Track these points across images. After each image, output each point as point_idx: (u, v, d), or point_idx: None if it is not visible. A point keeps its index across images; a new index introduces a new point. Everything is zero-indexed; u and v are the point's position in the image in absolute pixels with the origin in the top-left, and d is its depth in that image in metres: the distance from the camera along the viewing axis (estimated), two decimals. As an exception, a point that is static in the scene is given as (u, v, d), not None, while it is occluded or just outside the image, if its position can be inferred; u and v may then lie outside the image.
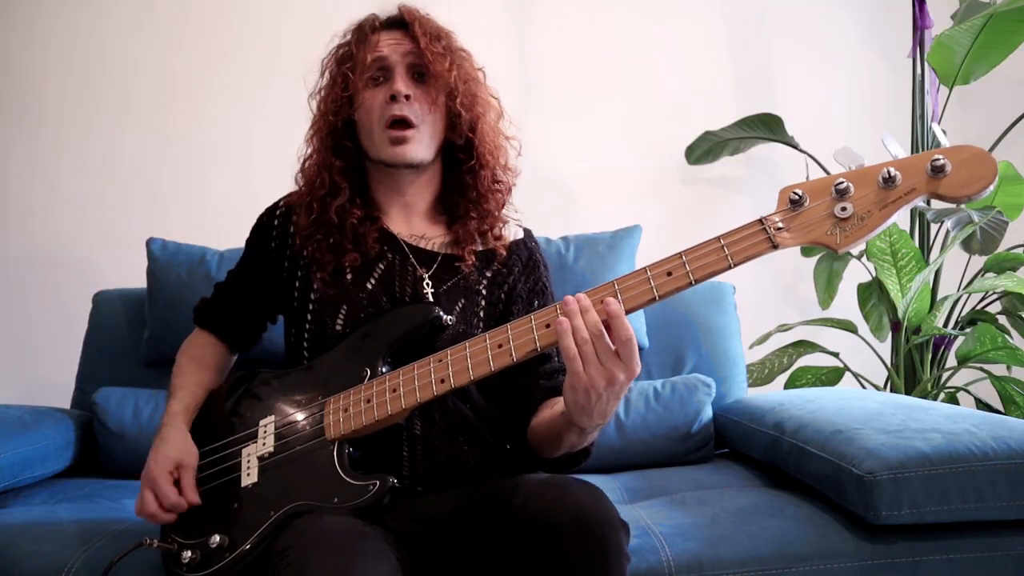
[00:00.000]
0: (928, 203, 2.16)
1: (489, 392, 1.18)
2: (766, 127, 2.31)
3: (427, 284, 1.17)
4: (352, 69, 1.17)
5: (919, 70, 2.20)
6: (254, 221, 1.30)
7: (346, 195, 1.19)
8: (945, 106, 2.24)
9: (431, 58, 1.16)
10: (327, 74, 1.23)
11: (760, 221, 0.92)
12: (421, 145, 1.17)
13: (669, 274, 0.93)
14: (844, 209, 0.89)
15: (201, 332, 1.31)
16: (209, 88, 2.44)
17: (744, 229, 0.93)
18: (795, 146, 2.30)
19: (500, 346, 0.97)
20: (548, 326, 0.95)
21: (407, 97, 1.14)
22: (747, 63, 2.57)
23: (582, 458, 1.13)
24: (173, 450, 1.11)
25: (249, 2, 2.45)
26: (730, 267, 0.92)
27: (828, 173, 2.24)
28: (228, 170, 2.42)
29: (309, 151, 1.24)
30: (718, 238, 0.93)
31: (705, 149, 2.40)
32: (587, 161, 2.47)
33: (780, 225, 0.91)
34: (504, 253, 1.22)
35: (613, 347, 0.89)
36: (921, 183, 0.87)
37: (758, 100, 2.47)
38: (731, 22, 2.56)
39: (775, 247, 0.91)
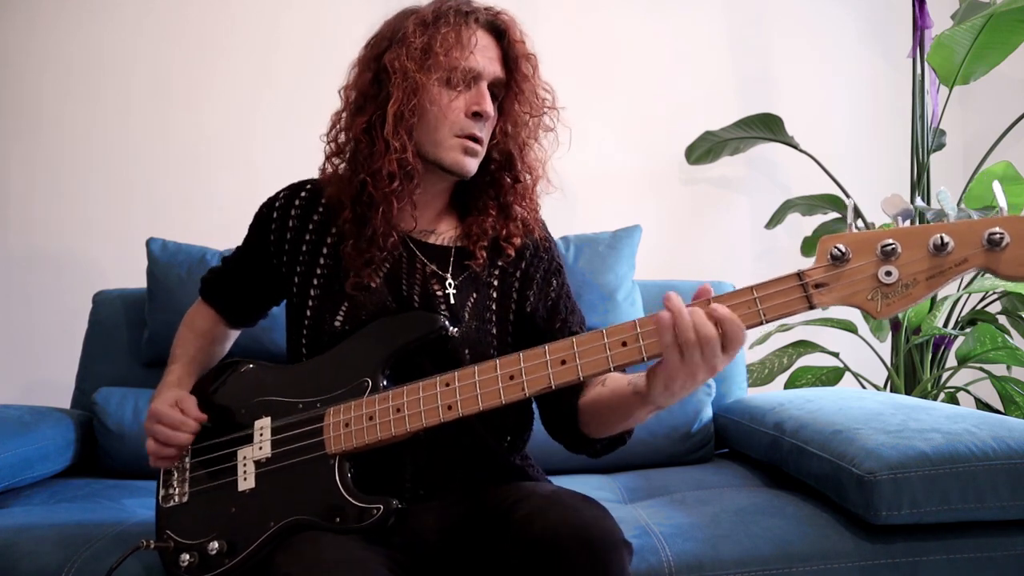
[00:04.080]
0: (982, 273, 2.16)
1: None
2: (766, 127, 2.32)
3: (449, 284, 1.13)
4: (444, 56, 1.07)
5: (919, 70, 2.20)
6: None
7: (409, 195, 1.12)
8: (945, 106, 2.24)
9: (515, 94, 1.13)
10: (417, 34, 1.09)
11: (798, 276, 0.86)
12: (479, 160, 1.14)
13: None
14: (889, 274, 0.82)
15: (203, 304, 1.31)
16: (209, 88, 2.44)
17: (780, 283, 0.86)
18: (795, 146, 2.30)
19: (512, 378, 0.94)
20: (564, 363, 0.92)
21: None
22: (747, 63, 2.57)
23: (628, 437, 1.10)
24: (170, 393, 1.15)
25: (249, 2, 2.45)
26: (762, 323, 0.86)
27: (828, 174, 2.27)
28: (228, 170, 2.42)
29: (388, 139, 1.07)
30: (751, 289, 0.86)
31: (705, 149, 2.40)
32: (587, 161, 2.47)
33: (819, 282, 0.85)
34: (513, 255, 1.18)
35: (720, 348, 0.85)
36: (975, 255, 0.80)
37: (758, 100, 2.48)
38: (731, 22, 2.56)
39: (811, 307, 0.85)
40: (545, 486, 1.04)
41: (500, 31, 1.13)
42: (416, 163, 1.09)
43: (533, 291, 1.18)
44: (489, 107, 1.10)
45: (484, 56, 1.10)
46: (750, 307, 0.86)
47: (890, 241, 0.82)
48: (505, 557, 0.91)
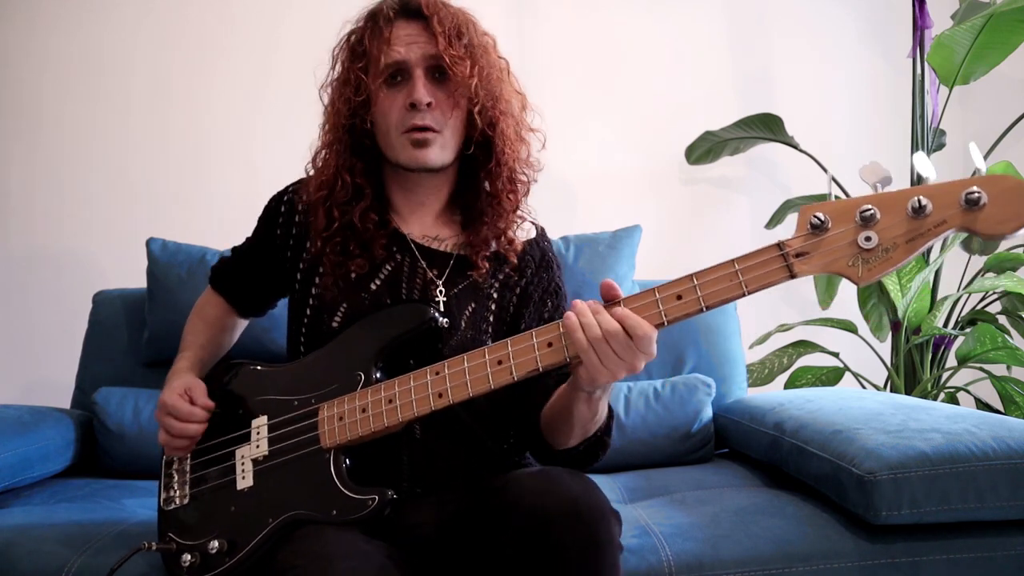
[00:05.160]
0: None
1: (493, 396, 1.15)
2: (766, 127, 2.32)
3: (440, 292, 1.14)
4: (365, 69, 1.11)
5: (919, 70, 2.20)
6: (255, 220, 1.29)
7: (369, 199, 1.15)
8: (945, 106, 2.24)
9: (451, 61, 1.09)
10: (339, 67, 1.16)
11: (779, 246, 0.86)
12: (443, 149, 1.12)
13: (679, 298, 0.89)
14: (868, 239, 0.83)
15: (213, 292, 1.32)
16: (209, 87, 2.44)
17: (761, 254, 0.87)
18: (795, 146, 2.30)
19: (500, 363, 0.95)
20: (551, 344, 0.93)
21: (428, 104, 1.09)
22: (747, 63, 2.57)
23: (600, 451, 1.11)
24: (179, 381, 1.16)
25: (249, 2, 2.45)
26: (744, 295, 0.87)
27: (828, 173, 2.26)
28: (228, 170, 2.42)
29: (324, 151, 1.17)
30: (732, 262, 0.87)
31: (705, 149, 2.40)
32: (587, 161, 2.47)
33: (799, 251, 0.85)
34: (515, 260, 1.18)
35: (631, 341, 0.88)
36: (954, 216, 0.81)
37: (758, 100, 2.48)
38: (731, 22, 2.56)
39: (792, 276, 0.85)
40: (534, 467, 1.05)
41: (416, 11, 1.12)
42: (344, 176, 1.14)
43: (529, 310, 1.19)
44: (420, 94, 1.09)
45: (406, 44, 1.10)
46: (732, 279, 0.87)
47: (868, 207, 0.83)
48: (501, 544, 0.91)
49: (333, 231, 1.14)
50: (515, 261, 1.18)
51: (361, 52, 1.12)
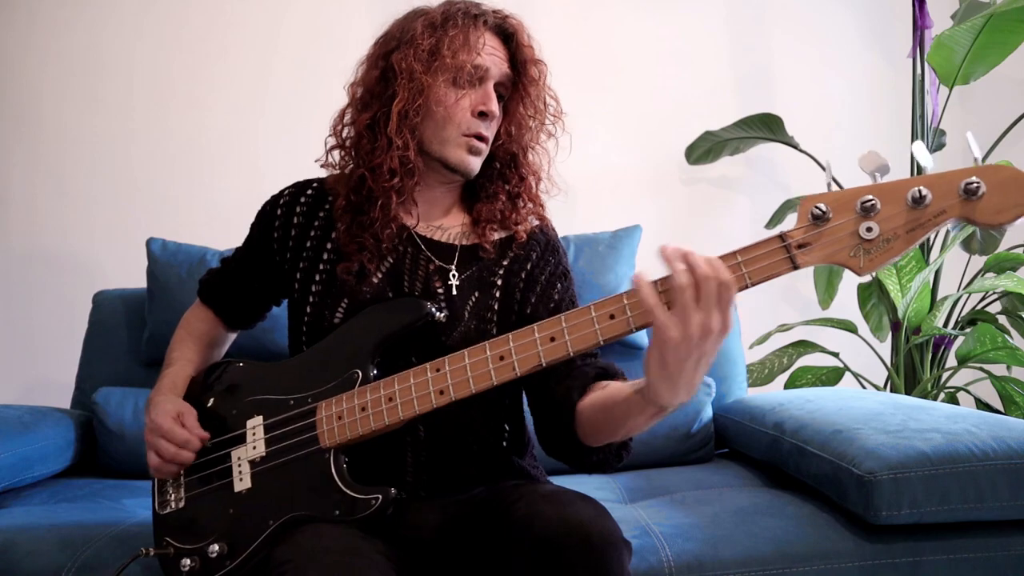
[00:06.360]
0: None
1: (493, 392, 1.08)
2: (766, 127, 2.32)
3: (453, 276, 1.13)
4: (452, 58, 1.09)
5: (919, 70, 2.20)
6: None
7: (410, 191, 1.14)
8: (945, 106, 2.24)
9: (520, 97, 1.15)
10: (426, 50, 1.10)
11: (781, 237, 0.85)
12: (482, 160, 1.15)
13: None
14: (870, 230, 0.83)
15: (201, 306, 1.30)
16: (209, 87, 2.44)
17: (763, 245, 0.86)
18: (795, 146, 2.30)
19: (502, 358, 0.94)
20: (553, 339, 0.92)
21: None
22: (747, 63, 2.57)
23: (625, 453, 1.08)
24: (170, 404, 1.12)
25: (249, 2, 2.46)
26: (747, 287, 0.85)
27: (827, 165, 2.26)
28: (228, 169, 2.42)
29: (391, 136, 1.09)
30: (735, 253, 0.85)
31: (705, 149, 2.40)
32: (587, 161, 2.47)
33: (801, 243, 0.85)
34: (524, 237, 1.18)
35: (720, 288, 0.80)
36: (952, 206, 0.81)
37: (758, 100, 2.48)
38: (731, 22, 2.57)
39: (795, 267, 0.85)
40: (544, 486, 1.04)
41: (508, 34, 1.15)
42: (417, 161, 1.11)
43: (535, 293, 1.17)
44: (495, 106, 1.12)
45: (491, 57, 1.12)
46: (735, 271, 0.85)
47: (869, 197, 0.83)
48: (503, 555, 0.91)
49: (375, 219, 1.12)
50: (523, 238, 1.18)
51: (459, 42, 1.10)
